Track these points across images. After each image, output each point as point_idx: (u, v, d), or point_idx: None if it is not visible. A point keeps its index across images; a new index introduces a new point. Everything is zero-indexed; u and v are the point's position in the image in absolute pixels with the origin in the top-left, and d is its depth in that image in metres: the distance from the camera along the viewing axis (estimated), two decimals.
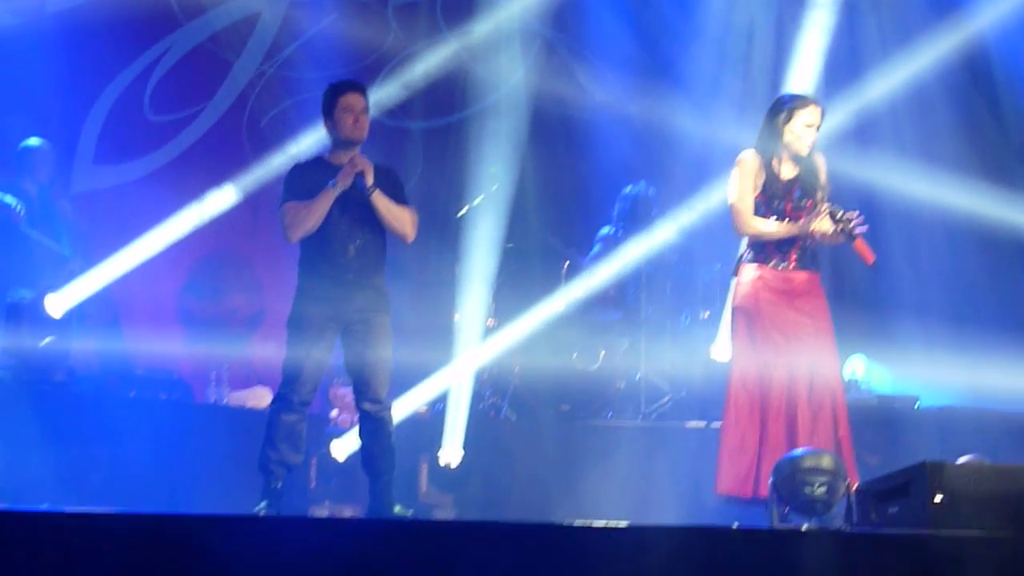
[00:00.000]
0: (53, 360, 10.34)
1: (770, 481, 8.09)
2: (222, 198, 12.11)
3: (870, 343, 11.83)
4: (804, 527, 7.84)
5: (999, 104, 12.71)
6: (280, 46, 13.24)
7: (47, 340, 10.35)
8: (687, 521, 9.28)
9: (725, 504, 8.73)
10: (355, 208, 8.49)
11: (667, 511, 9.67)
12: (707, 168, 11.81)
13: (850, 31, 12.74)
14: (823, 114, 8.55)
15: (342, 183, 8.39)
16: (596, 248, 12.29)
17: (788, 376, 8.44)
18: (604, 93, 13.45)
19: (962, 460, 7.85)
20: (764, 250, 8.50)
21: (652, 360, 11.68)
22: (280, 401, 8.56)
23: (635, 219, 12.13)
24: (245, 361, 12.25)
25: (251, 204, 12.43)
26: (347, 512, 10.30)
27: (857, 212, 8.35)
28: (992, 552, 6.27)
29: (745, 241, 8.74)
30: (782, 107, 8.55)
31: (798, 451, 8.17)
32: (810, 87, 12.11)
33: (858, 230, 8.28)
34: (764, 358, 8.45)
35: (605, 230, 12.33)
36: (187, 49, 13.14)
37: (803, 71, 12.32)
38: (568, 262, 11.83)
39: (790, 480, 7.95)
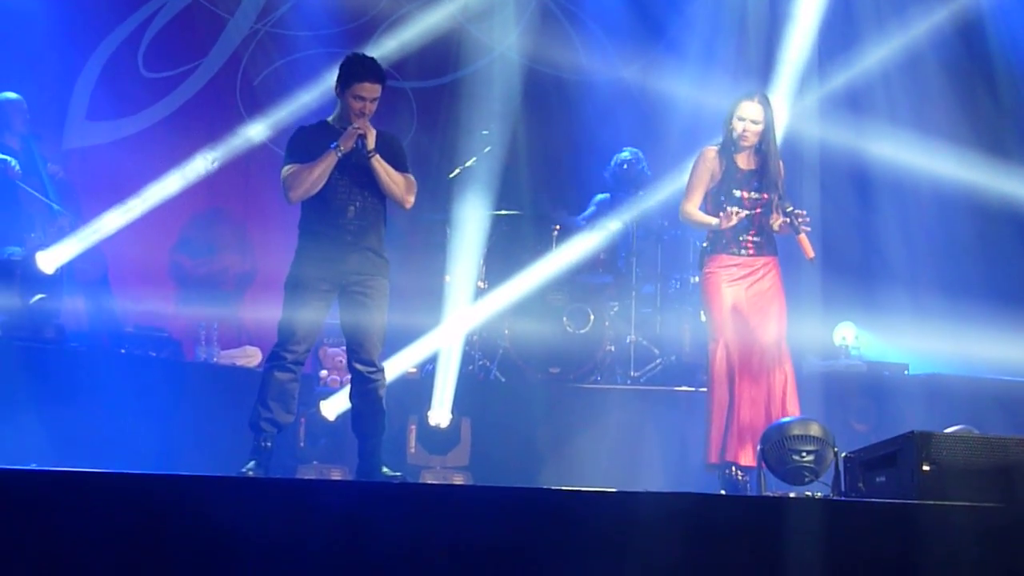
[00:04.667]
0: (43, 318, 10.27)
1: (758, 448, 8.12)
2: (214, 156, 12.04)
3: (859, 310, 11.85)
4: (791, 495, 7.84)
5: (994, 73, 12.67)
6: (275, 4, 13.17)
7: (37, 297, 10.28)
8: (675, 484, 9.30)
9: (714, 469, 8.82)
10: (355, 171, 8.49)
11: (655, 474, 9.68)
12: (699, 134, 11.72)
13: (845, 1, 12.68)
14: (764, 108, 9.07)
15: (344, 146, 8.40)
16: (591, 209, 12.27)
17: (746, 354, 8.90)
18: (598, 57, 13.40)
19: (950, 430, 7.83)
20: (721, 241, 9.07)
21: (642, 324, 11.68)
22: (274, 359, 8.55)
23: (628, 184, 12.12)
24: (235, 320, 12.23)
25: (244, 163, 12.37)
26: (335, 473, 10.28)
27: (804, 211, 8.95)
28: (979, 522, 6.26)
29: (705, 233, 9.23)
30: (731, 103, 9.18)
31: (786, 419, 8.22)
32: (804, 55, 12.11)
33: (803, 228, 8.86)
34: (727, 339, 8.94)
35: (600, 196, 12.32)
36: (181, 6, 13.05)
37: (797, 39, 12.28)
38: (559, 226, 11.77)
39: (778, 448, 7.98)
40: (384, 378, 8.64)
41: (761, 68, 12.46)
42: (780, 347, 8.98)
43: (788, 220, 8.88)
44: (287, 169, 8.52)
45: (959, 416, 9.08)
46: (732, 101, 9.15)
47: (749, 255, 9.01)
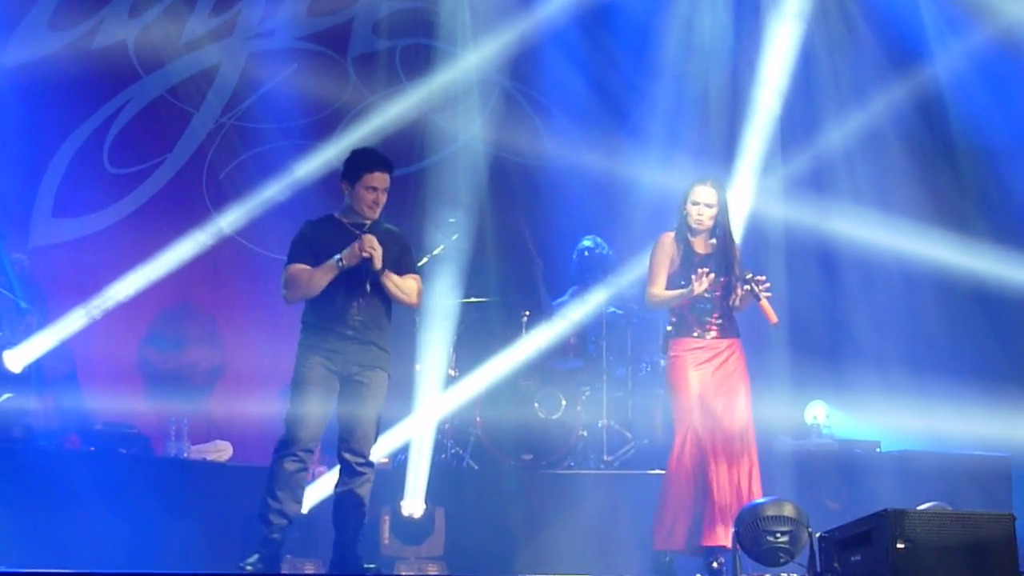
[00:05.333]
0: (11, 417, 10.25)
1: (732, 531, 8.11)
2: (182, 250, 12.09)
3: (829, 389, 11.87)
4: None
5: (954, 150, 12.78)
6: (239, 98, 13.20)
7: (5, 397, 10.25)
8: (651, 569, 9.25)
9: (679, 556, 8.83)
10: (359, 270, 8.48)
11: (631, 559, 9.65)
12: (665, 216, 11.79)
13: (806, 80, 12.80)
14: (716, 191, 9.17)
15: (347, 261, 8.40)
16: (565, 297, 12.30)
17: (708, 437, 8.92)
18: (562, 143, 13.46)
19: (923, 507, 7.85)
20: (686, 323, 9.17)
21: (613, 408, 11.67)
22: (282, 449, 8.48)
23: (593, 270, 12.13)
24: (205, 414, 12.16)
25: (211, 256, 12.38)
26: (309, 566, 10.20)
27: (764, 277, 9.01)
28: None
29: (668, 318, 9.32)
30: (684, 189, 9.27)
31: (760, 500, 8.23)
32: (766, 136, 12.23)
33: (764, 294, 8.91)
34: (690, 423, 8.97)
35: (573, 287, 12.33)
36: (146, 102, 13.07)
37: (759, 120, 12.40)
38: (528, 312, 11.81)
39: (752, 529, 7.99)
40: (372, 473, 8.60)
41: (724, 150, 12.56)
42: (748, 431, 9.01)
43: (748, 288, 8.95)
44: (288, 269, 8.54)
45: (932, 492, 9.12)
46: (685, 186, 9.26)
47: (714, 338, 9.08)
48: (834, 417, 11.75)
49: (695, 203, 9.11)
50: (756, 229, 12.32)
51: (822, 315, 12.65)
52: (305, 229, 8.69)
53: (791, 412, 11.71)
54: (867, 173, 12.68)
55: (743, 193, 12.22)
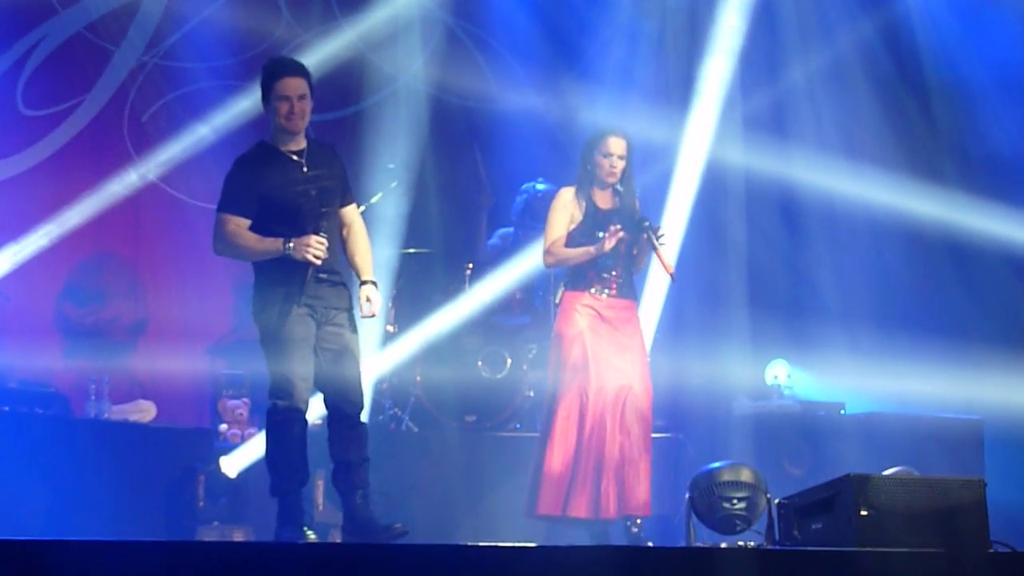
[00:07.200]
0: None
1: (686, 496, 8.17)
2: (102, 198, 12.04)
3: (791, 348, 11.90)
4: (723, 545, 7.90)
5: (925, 89, 12.79)
6: (163, 35, 13.06)
7: None
8: (599, 536, 9.31)
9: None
10: (318, 199, 8.20)
11: (577, 527, 9.68)
12: None
13: (768, 17, 12.79)
14: (627, 143, 9.22)
15: (294, 254, 7.99)
16: (494, 240, 12.31)
17: (602, 398, 8.99)
18: (509, 84, 13.44)
19: (889, 472, 7.92)
20: (585, 277, 9.21)
21: None
22: (285, 413, 8.17)
23: (532, 217, 12.11)
24: (127, 372, 12.11)
25: (133, 204, 12.32)
26: (238, 534, 10.22)
27: (659, 227, 9.09)
28: (921, 569, 6.33)
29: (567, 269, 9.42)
30: (589, 140, 9.34)
31: (716, 464, 8.28)
32: (726, 78, 12.21)
33: (659, 243, 8.97)
34: (581, 381, 9.04)
35: (504, 230, 12.35)
36: (63, 38, 12.92)
37: (719, 60, 12.39)
38: (472, 264, 11.80)
39: (707, 495, 8.04)
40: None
41: (682, 92, 12.56)
42: (640, 395, 9.05)
43: (645, 236, 9.01)
44: (227, 223, 8.15)
45: (898, 457, 9.18)
46: (592, 138, 9.30)
47: (611, 295, 9.15)
48: (796, 377, 11.79)
49: (607, 155, 9.14)
50: (714, 176, 12.35)
51: (784, 268, 12.66)
52: (238, 168, 8.29)
53: (750, 372, 11.75)
54: (832, 115, 12.66)
55: (701, 138, 12.25)
